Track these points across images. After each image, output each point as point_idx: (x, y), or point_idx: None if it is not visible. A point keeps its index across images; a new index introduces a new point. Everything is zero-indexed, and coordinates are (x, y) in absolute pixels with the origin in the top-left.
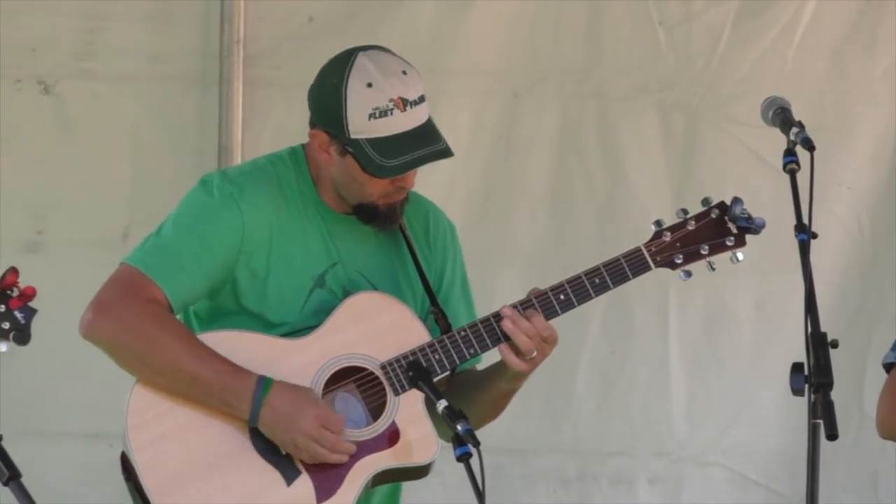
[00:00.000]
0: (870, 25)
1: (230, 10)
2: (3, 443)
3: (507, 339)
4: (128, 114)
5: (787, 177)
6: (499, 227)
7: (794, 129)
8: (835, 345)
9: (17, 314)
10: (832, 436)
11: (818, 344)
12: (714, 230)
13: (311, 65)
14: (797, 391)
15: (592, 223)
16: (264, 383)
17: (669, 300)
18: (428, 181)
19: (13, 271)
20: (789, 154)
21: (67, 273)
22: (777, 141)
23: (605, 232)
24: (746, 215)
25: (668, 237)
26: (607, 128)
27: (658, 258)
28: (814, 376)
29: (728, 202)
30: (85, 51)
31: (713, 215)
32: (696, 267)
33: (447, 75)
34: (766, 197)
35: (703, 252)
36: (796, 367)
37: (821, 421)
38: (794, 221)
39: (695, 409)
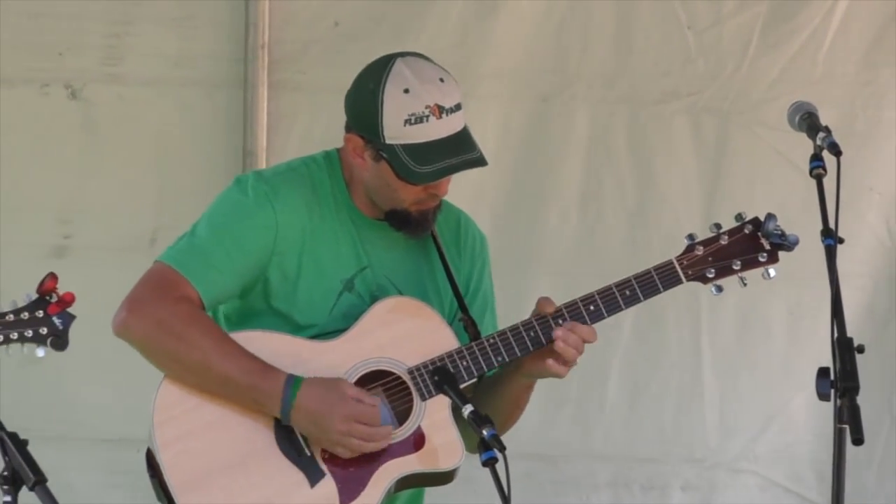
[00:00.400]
0: None
1: (255, 13)
2: (30, 447)
3: (538, 347)
4: (154, 117)
5: None
6: (528, 232)
7: (821, 134)
8: (861, 350)
9: (56, 320)
10: (858, 440)
11: (844, 349)
12: (747, 246)
13: (336, 69)
14: (823, 396)
15: (623, 228)
16: (294, 382)
17: (701, 306)
18: (457, 186)
19: (52, 277)
20: (816, 159)
21: (94, 277)
22: (807, 145)
23: (636, 237)
24: (780, 232)
25: (700, 251)
26: (637, 132)
27: (690, 272)
28: (840, 381)
29: (762, 218)
30: (111, 55)
31: (746, 231)
32: (728, 282)
33: (474, 79)
34: (796, 201)
35: (735, 267)
36: (822, 372)
37: (847, 426)
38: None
39: (727, 415)
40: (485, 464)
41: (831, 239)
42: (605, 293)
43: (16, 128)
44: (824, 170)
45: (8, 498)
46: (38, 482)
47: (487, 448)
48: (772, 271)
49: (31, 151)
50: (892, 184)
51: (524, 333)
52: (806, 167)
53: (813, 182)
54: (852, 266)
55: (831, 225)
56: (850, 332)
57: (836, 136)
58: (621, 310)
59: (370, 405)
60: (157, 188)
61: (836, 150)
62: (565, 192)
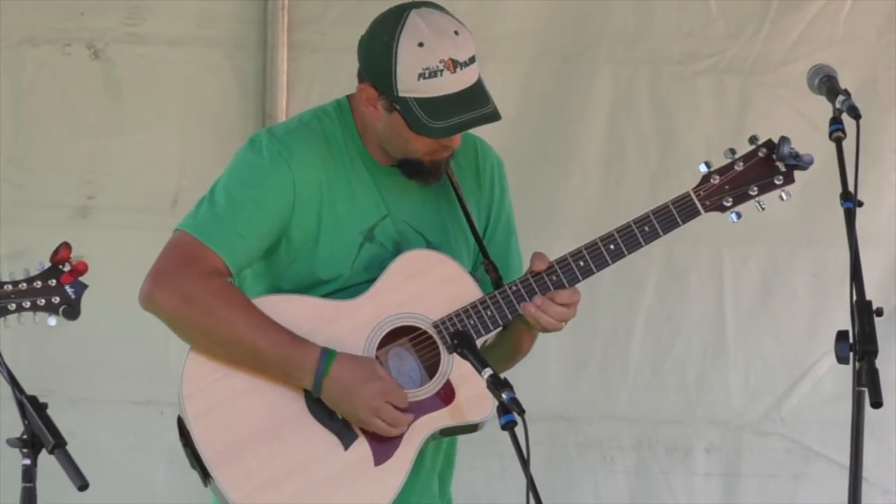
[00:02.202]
0: None
1: None
2: (52, 410)
3: (559, 288)
4: (176, 78)
5: None
6: (551, 194)
7: (840, 97)
8: (879, 312)
9: (68, 289)
10: (877, 403)
11: (863, 312)
12: (762, 170)
13: (356, 30)
14: (842, 359)
15: (645, 189)
16: (328, 355)
17: (724, 268)
18: None
19: (66, 246)
20: (835, 122)
21: (117, 238)
22: (828, 106)
23: (658, 197)
24: (795, 153)
25: (716, 180)
26: (659, 93)
27: (707, 202)
28: (858, 344)
29: (775, 140)
30: (133, 15)
31: (761, 154)
32: (745, 208)
33: (495, 40)
34: (818, 163)
35: (751, 193)
36: (841, 335)
37: (865, 388)
38: None
39: (751, 377)
40: (504, 427)
41: (850, 202)
42: (625, 231)
43: (38, 88)
44: (843, 133)
45: (28, 461)
46: (58, 445)
47: (507, 411)
48: (790, 191)
49: (53, 112)
50: None
51: (546, 279)
52: (826, 129)
53: (833, 144)
54: (876, 228)
55: (850, 188)
56: (875, 294)
57: (858, 99)
58: (641, 247)
59: (398, 388)
60: (179, 149)
61: (855, 114)
62: (587, 153)
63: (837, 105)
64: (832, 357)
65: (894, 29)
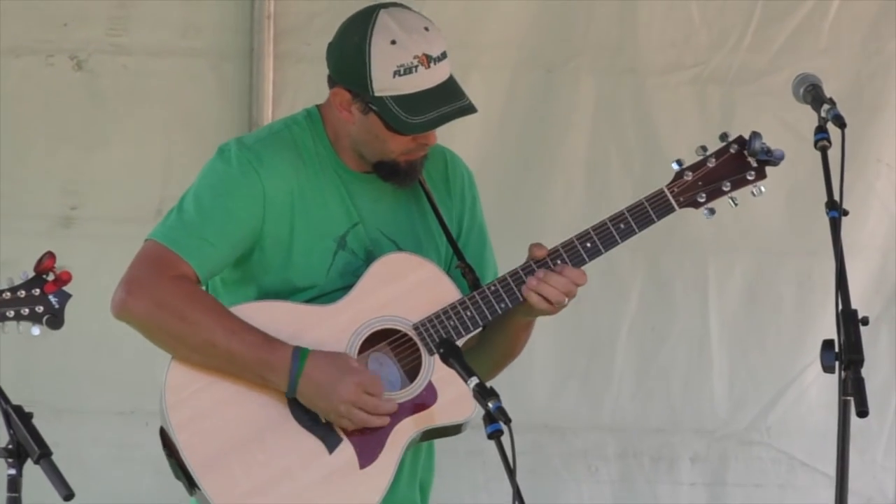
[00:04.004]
0: None
1: None
2: (37, 420)
3: None
4: (160, 88)
5: None
6: (534, 202)
7: (826, 106)
8: (865, 322)
9: (52, 298)
10: (862, 412)
11: (849, 321)
12: (734, 165)
13: None
14: (827, 368)
15: (628, 198)
16: (300, 354)
17: (709, 277)
18: (461, 155)
19: (50, 256)
20: (821, 131)
21: (101, 249)
22: (812, 115)
23: None
24: (766, 148)
25: (689, 176)
26: (642, 103)
27: (681, 199)
28: (844, 353)
29: (746, 136)
30: (116, 25)
31: (732, 150)
32: (718, 204)
33: (479, 49)
34: (803, 172)
35: (724, 189)
36: (827, 345)
37: (851, 398)
38: None
39: (736, 387)
40: (490, 436)
41: (836, 211)
42: (600, 228)
43: (21, 99)
44: (829, 142)
45: (13, 471)
46: (43, 455)
47: (493, 420)
48: (762, 187)
49: (36, 122)
50: None
51: (524, 277)
52: (810, 137)
53: (817, 153)
54: (862, 238)
55: (836, 197)
56: (859, 303)
57: (843, 108)
58: (617, 244)
59: (376, 383)
60: (163, 159)
61: (840, 122)
62: (570, 162)
63: (823, 114)
64: (818, 366)
65: (878, 38)
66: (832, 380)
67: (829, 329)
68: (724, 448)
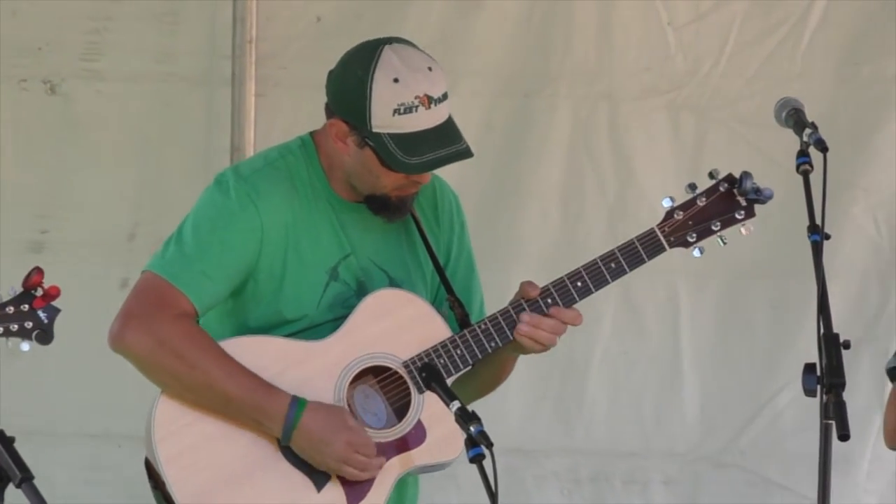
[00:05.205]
0: (881, 25)
1: (242, 10)
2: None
3: None
4: (133, 114)
5: (795, 176)
6: (510, 228)
7: (808, 131)
8: (847, 345)
9: (41, 314)
10: (844, 436)
11: (830, 344)
12: (723, 205)
13: (318, 65)
14: (809, 392)
15: (603, 223)
16: (298, 404)
17: (681, 301)
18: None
19: (38, 271)
20: (803, 155)
21: (72, 273)
22: (785, 141)
23: (616, 231)
24: (756, 188)
25: (680, 216)
26: (617, 128)
27: (672, 238)
28: (826, 377)
29: (735, 175)
30: (91, 50)
31: (722, 189)
32: (708, 243)
33: (457, 76)
34: (776, 196)
35: (714, 228)
36: (808, 368)
37: (833, 421)
38: (804, 220)
39: (709, 409)
40: (472, 460)
41: (818, 235)
42: (591, 267)
43: None
44: (811, 166)
45: None
46: (25, 479)
47: (475, 445)
48: (750, 227)
49: (9, 147)
50: (875, 179)
51: (515, 316)
52: (783, 162)
53: (791, 177)
54: (839, 263)
55: (818, 221)
56: (839, 328)
57: None
58: (608, 283)
59: (367, 437)
60: (136, 184)
61: (822, 147)
62: (546, 188)
63: (805, 138)
64: (793, 389)
65: (852, 63)
66: (807, 402)
67: (803, 352)
68: (697, 471)
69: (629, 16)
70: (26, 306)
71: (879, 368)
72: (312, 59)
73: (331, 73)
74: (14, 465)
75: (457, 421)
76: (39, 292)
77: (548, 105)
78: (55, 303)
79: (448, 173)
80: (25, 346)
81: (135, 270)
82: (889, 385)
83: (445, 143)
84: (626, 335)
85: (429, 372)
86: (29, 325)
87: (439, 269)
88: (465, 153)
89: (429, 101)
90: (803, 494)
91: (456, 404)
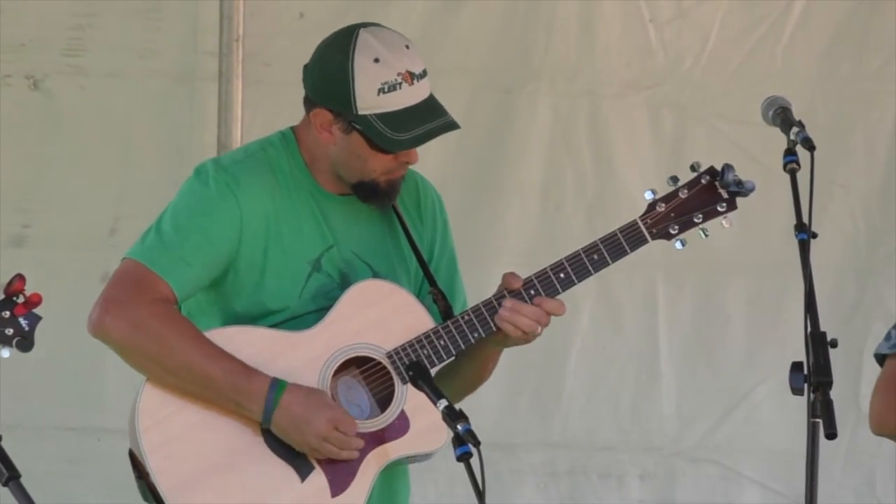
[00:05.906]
0: (861, 23)
1: (230, 8)
2: None
3: None
4: (116, 110)
5: (774, 173)
6: (490, 224)
7: (795, 129)
8: (834, 344)
9: (22, 321)
10: (831, 434)
11: (818, 343)
12: (705, 197)
13: (301, 61)
14: (797, 390)
15: (583, 219)
16: (278, 385)
17: (658, 296)
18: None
19: (20, 278)
20: (790, 154)
21: (53, 267)
22: (766, 138)
23: (596, 227)
24: (738, 180)
25: (662, 208)
26: (598, 125)
27: (654, 230)
28: (813, 375)
29: (717, 168)
30: (74, 46)
31: (703, 181)
32: (690, 235)
33: (438, 73)
34: (754, 194)
35: (696, 220)
36: (796, 367)
37: (820, 420)
38: (782, 217)
39: (685, 404)
40: (459, 458)
41: (805, 233)
42: (574, 259)
43: None
44: (798, 164)
45: None
46: (12, 478)
47: (462, 443)
48: (732, 219)
49: None
50: (854, 176)
51: (497, 306)
52: (763, 159)
53: (771, 174)
54: (816, 258)
55: (804, 219)
56: None
57: None
58: (591, 275)
59: (348, 415)
60: (118, 179)
61: (809, 145)
62: (526, 183)
63: (792, 136)
64: (769, 385)
65: (832, 62)
66: (784, 398)
67: (780, 348)
68: (673, 465)
69: (611, 12)
70: (7, 313)
71: (854, 365)
72: (295, 57)
73: (307, 66)
74: (1, 463)
75: (444, 419)
76: (21, 299)
77: (529, 101)
78: (36, 310)
79: (429, 168)
80: (6, 352)
81: (116, 265)
82: (867, 371)
83: (432, 116)
84: (604, 330)
85: (416, 370)
86: (10, 331)
87: (422, 262)
88: (453, 125)
89: (411, 77)
90: (775, 490)
91: (443, 402)
